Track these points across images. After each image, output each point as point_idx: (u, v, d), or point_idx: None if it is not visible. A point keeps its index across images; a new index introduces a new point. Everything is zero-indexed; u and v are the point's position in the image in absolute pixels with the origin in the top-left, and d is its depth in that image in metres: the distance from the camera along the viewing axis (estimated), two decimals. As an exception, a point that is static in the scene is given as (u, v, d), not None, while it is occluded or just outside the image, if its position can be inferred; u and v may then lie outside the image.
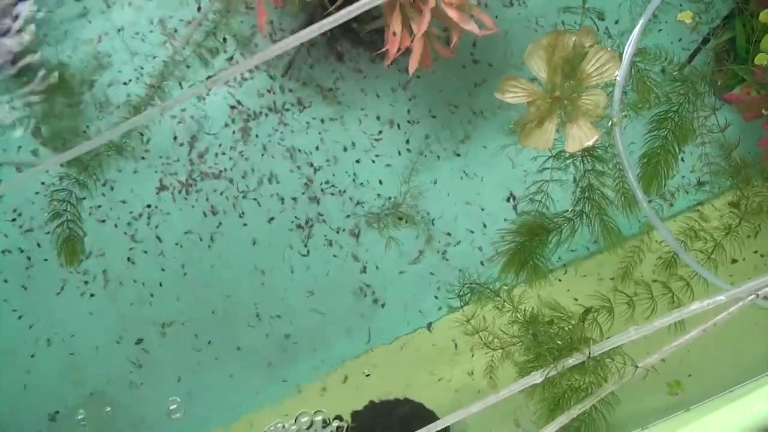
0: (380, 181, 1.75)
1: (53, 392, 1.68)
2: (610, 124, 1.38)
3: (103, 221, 1.72)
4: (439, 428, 1.22)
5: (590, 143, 1.19)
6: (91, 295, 1.70)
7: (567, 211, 1.41)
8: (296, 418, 1.37)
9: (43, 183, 1.70)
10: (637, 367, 1.19)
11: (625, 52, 1.35)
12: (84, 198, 1.64)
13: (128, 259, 1.71)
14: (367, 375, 1.64)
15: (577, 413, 1.21)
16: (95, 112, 1.74)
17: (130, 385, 1.68)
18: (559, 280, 1.69)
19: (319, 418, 1.38)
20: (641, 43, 1.38)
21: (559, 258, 1.71)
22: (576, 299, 1.62)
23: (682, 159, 1.65)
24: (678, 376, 1.36)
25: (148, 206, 1.73)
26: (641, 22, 1.39)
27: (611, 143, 1.39)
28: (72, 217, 1.56)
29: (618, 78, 1.36)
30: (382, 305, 1.73)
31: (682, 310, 1.10)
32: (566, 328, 1.30)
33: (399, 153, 1.76)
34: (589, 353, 1.14)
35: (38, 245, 1.69)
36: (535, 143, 1.25)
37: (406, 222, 1.74)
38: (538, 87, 1.24)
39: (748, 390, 1.22)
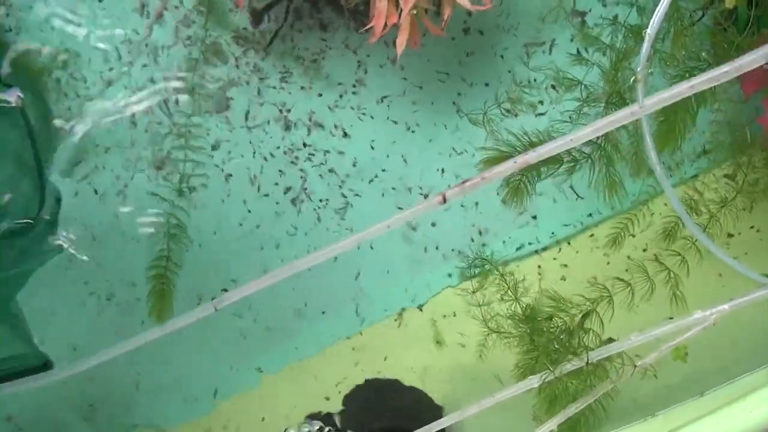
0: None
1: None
2: (632, 80, 1.27)
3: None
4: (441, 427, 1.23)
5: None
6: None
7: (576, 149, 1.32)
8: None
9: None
10: (635, 366, 1.18)
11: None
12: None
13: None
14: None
15: (576, 409, 1.22)
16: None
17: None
18: (554, 258, 1.67)
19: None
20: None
21: (552, 233, 1.69)
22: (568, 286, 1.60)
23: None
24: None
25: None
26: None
27: (632, 99, 1.28)
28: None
29: (649, 30, 1.17)
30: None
31: (685, 319, 1.08)
32: (566, 320, 1.28)
33: (384, 126, 1.70)
34: (587, 360, 1.13)
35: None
36: None
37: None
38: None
39: (746, 387, 1.22)
